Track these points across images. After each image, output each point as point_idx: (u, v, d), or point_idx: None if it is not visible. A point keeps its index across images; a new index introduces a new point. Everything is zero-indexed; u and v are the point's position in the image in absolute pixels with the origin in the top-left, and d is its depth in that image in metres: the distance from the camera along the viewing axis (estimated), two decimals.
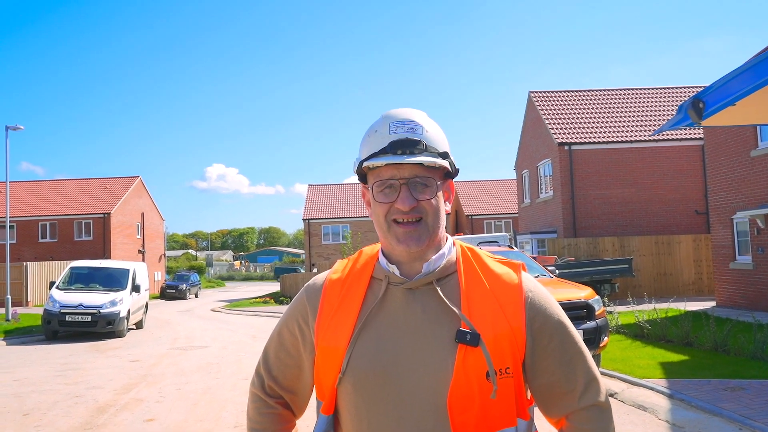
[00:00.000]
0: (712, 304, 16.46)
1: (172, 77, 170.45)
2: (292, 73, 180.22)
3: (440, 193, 1.37)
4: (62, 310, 15.26)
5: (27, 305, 29.05)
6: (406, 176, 1.32)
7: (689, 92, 25.38)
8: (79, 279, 17.10)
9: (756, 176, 14.36)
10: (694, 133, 21.92)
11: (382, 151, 1.32)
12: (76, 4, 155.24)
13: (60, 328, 15.39)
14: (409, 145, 1.31)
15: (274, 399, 1.49)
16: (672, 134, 22.05)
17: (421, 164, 1.32)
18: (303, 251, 55.04)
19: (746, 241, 14.97)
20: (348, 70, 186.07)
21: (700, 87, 25.64)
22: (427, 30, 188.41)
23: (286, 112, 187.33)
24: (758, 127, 14.05)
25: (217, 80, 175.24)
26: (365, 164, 1.35)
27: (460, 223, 41.96)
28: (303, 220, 42.05)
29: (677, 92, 25.69)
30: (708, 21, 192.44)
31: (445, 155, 1.35)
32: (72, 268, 17.59)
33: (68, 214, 38.78)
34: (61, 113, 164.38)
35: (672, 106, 24.63)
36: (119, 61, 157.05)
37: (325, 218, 42.06)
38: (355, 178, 1.44)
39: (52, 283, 17.11)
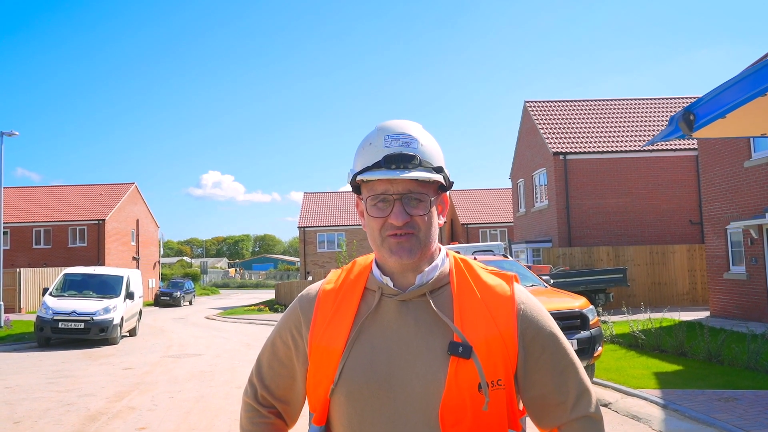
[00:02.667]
0: (707, 314, 16.49)
1: (168, 83, 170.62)
2: (288, 80, 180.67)
3: (434, 208, 1.37)
4: (55, 317, 15.16)
5: (20, 312, 28.85)
6: (399, 191, 1.31)
7: (684, 103, 25.53)
8: (73, 286, 17.00)
9: (749, 187, 14.44)
10: (689, 144, 22.04)
11: (376, 165, 1.31)
12: (70, 9, 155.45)
13: (53, 335, 15.30)
14: (403, 159, 1.30)
15: (266, 408, 1.49)
16: (666, 144, 22.16)
17: (415, 179, 1.31)
18: (298, 259, 54.90)
19: (740, 251, 15.03)
20: (344, 78, 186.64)
21: (695, 98, 25.79)
22: (422, 38, 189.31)
23: (283, 120, 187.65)
24: (751, 139, 14.15)
25: (212, 87, 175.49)
26: (359, 177, 1.34)
27: (455, 232, 41.98)
28: (298, 227, 42.03)
29: (672, 103, 25.84)
30: (705, 33, 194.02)
31: (439, 170, 1.35)
32: (66, 275, 17.50)
33: (62, 221, 38.65)
34: (57, 119, 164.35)
35: (667, 116, 24.77)
36: (115, 66, 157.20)
37: (321, 226, 42.05)
38: (350, 187, 1.44)
39: (45, 290, 17.01)
